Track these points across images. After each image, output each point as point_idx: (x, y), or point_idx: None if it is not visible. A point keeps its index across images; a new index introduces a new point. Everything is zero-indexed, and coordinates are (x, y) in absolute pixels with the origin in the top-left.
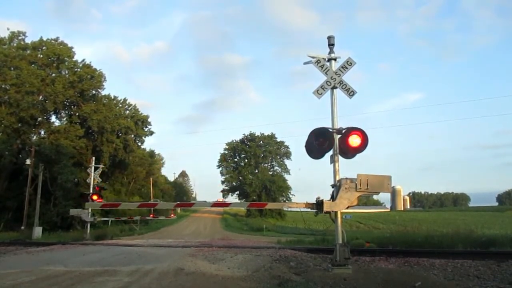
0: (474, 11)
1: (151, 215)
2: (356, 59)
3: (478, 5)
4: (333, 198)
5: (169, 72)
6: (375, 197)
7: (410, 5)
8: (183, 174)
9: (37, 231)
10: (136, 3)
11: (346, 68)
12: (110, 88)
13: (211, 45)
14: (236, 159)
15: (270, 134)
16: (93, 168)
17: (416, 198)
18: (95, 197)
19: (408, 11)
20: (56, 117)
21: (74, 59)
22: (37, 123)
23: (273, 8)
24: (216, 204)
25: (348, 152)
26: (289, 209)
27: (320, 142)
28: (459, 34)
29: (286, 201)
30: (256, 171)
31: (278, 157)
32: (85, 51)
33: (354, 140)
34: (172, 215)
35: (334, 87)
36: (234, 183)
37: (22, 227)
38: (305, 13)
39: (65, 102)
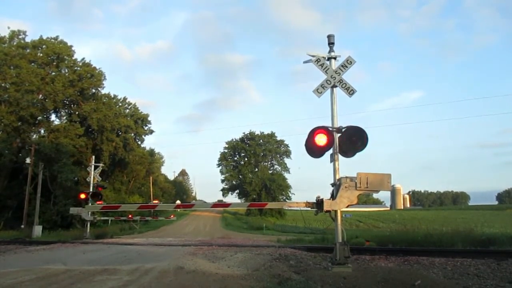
0: (476, 10)
1: (152, 217)
2: (357, 58)
3: (480, 5)
4: (333, 197)
5: (170, 71)
6: (375, 195)
7: (412, 5)
8: (183, 173)
9: (37, 229)
10: (138, 3)
11: (346, 67)
12: (112, 87)
13: (212, 45)
14: (236, 158)
15: (270, 132)
16: (93, 166)
17: (416, 197)
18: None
19: (410, 10)
20: (56, 116)
21: (74, 58)
22: (37, 122)
23: (275, 8)
24: (216, 205)
25: (348, 151)
26: (289, 208)
27: (320, 141)
28: (460, 33)
29: (286, 200)
30: (256, 169)
31: (278, 155)
32: (87, 50)
33: (354, 139)
34: (172, 216)
35: (334, 86)
36: (234, 182)
37: (22, 226)
38: (306, 12)
39: (65, 101)
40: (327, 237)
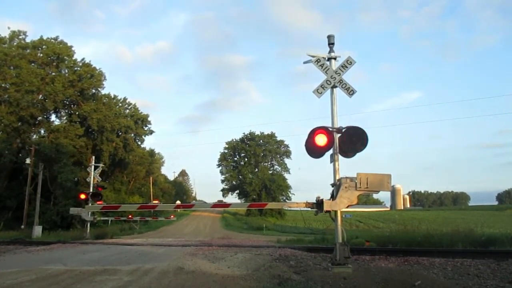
0: (477, 11)
1: (152, 217)
2: (358, 59)
3: (481, 6)
4: (333, 197)
5: (171, 72)
6: (375, 196)
7: (413, 6)
8: (183, 173)
9: (37, 230)
10: (139, 4)
11: (346, 67)
12: (112, 88)
13: (213, 46)
14: (236, 158)
15: (270, 133)
16: (93, 167)
17: (416, 197)
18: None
19: (411, 11)
20: (56, 116)
21: (73, 58)
22: (37, 122)
23: (276, 9)
24: (216, 205)
25: (348, 151)
26: (289, 209)
27: (320, 141)
28: (460, 34)
29: (286, 200)
30: (256, 170)
31: (278, 156)
32: (87, 50)
33: (354, 139)
34: (172, 216)
35: (334, 86)
36: (234, 182)
37: (22, 226)
38: (307, 13)
39: (65, 101)
40: (327, 238)
